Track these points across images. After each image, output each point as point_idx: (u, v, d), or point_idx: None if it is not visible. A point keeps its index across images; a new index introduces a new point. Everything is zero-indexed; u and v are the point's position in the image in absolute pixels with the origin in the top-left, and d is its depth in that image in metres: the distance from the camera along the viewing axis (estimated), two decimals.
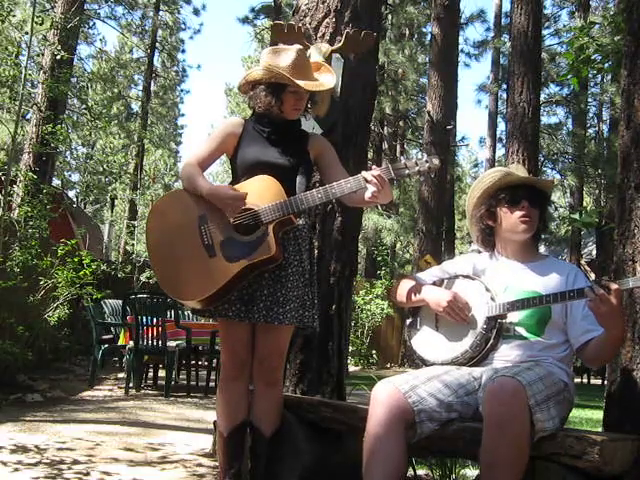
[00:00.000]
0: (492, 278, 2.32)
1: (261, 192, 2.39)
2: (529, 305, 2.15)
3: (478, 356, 2.21)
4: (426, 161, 2.30)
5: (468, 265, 2.43)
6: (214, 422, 2.70)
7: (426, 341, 2.36)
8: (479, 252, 2.50)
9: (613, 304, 1.96)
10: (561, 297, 2.08)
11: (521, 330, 2.22)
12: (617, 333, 2.06)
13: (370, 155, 16.01)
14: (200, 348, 6.80)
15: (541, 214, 2.36)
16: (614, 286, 1.97)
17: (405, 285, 2.44)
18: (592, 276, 15.20)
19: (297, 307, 2.41)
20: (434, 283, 2.42)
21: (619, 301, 1.98)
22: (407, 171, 2.31)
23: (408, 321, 2.46)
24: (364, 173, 2.30)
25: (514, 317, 2.23)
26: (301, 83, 2.45)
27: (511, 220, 2.31)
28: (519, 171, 2.40)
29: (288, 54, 2.49)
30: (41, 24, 7.28)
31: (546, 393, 1.95)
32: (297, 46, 2.57)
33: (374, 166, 2.33)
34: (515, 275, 2.30)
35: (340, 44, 3.25)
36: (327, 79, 2.57)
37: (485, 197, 2.39)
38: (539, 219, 2.35)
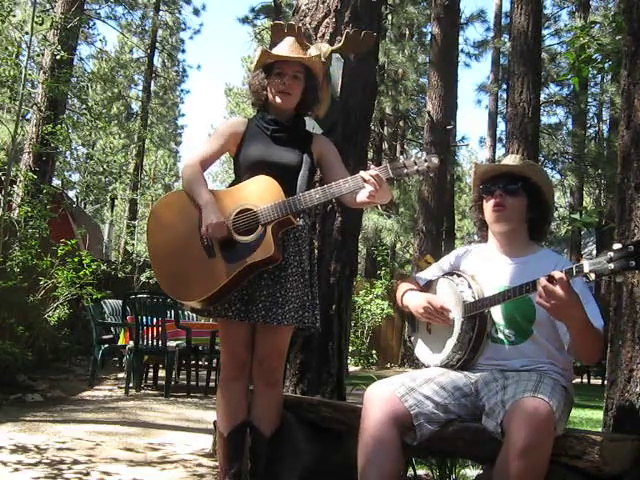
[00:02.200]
0: (482, 272, 2.26)
1: (260, 193, 2.39)
2: (498, 301, 2.09)
3: (464, 356, 2.18)
4: (425, 160, 2.29)
5: (462, 257, 2.39)
6: (214, 422, 2.70)
7: (422, 344, 2.37)
8: (479, 242, 2.48)
9: (560, 296, 1.86)
10: (519, 291, 2.01)
11: (509, 333, 2.18)
12: (576, 325, 1.95)
13: (370, 155, 16.01)
14: (200, 348, 6.80)
15: (531, 203, 2.25)
16: (558, 275, 1.86)
17: (402, 291, 2.42)
18: (592, 276, 15.14)
19: (297, 308, 2.41)
20: (427, 284, 2.39)
21: (567, 292, 1.86)
22: (406, 170, 2.30)
23: (407, 323, 2.46)
24: (362, 173, 2.30)
25: (499, 319, 2.19)
26: (275, 52, 2.50)
27: (487, 210, 2.27)
28: (509, 161, 2.32)
29: (282, 42, 2.59)
30: (41, 24, 7.28)
31: (562, 408, 1.92)
32: (291, 37, 2.65)
33: (372, 166, 2.32)
34: (502, 271, 2.25)
35: (340, 44, 3.25)
36: (311, 52, 2.64)
37: (474, 191, 2.37)
38: (530, 209, 2.25)
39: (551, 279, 1.88)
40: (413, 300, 2.32)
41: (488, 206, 2.26)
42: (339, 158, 2.61)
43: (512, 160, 2.33)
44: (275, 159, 2.47)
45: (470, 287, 2.20)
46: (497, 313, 2.20)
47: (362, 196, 2.37)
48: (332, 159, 2.59)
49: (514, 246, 2.28)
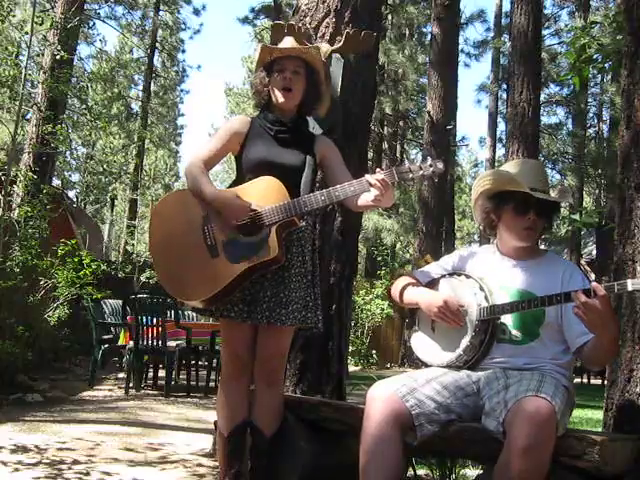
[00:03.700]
0: (488, 274, 2.27)
1: (265, 193, 2.39)
2: (518, 309, 2.10)
3: (473, 359, 2.18)
4: (430, 165, 2.29)
5: (466, 258, 2.39)
6: (214, 422, 2.70)
7: (424, 343, 2.34)
8: (479, 245, 2.48)
9: (600, 311, 1.87)
10: (548, 301, 2.01)
11: (516, 333, 2.18)
12: (608, 339, 1.97)
13: (370, 155, 16.01)
14: (200, 348, 6.80)
15: (548, 220, 2.29)
16: (601, 292, 1.87)
17: (401, 285, 2.40)
18: (592, 276, 15.18)
19: (300, 308, 2.41)
20: (430, 282, 2.38)
21: (607, 307, 1.88)
22: (411, 175, 2.30)
23: (407, 320, 2.43)
24: (368, 177, 2.29)
25: (507, 320, 2.19)
26: (276, 47, 2.52)
27: (515, 228, 2.25)
28: (532, 172, 2.27)
29: (282, 41, 2.61)
30: (41, 24, 7.29)
31: (563, 408, 1.92)
32: (291, 37, 2.65)
33: (378, 169, 2.32)
34: (510, 274, 2.25)
35: (340, 44, 3.25)
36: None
37: (496, 192, 2.28)
38: (545, 223, 2.28)
39: (589, 293, 1.88)
40: (424, 297, 2.28)
41: (517, 224, 2.24)
42: (341, 160, 2.61)
43: (534, 172, 2.29)
44: (278, 160, 2.46)
45: (482, 289, 2.20)
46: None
47: (367, 199, 2.35)
48: (334, 161, 2.59)
49: (523, 251, 2.29)
